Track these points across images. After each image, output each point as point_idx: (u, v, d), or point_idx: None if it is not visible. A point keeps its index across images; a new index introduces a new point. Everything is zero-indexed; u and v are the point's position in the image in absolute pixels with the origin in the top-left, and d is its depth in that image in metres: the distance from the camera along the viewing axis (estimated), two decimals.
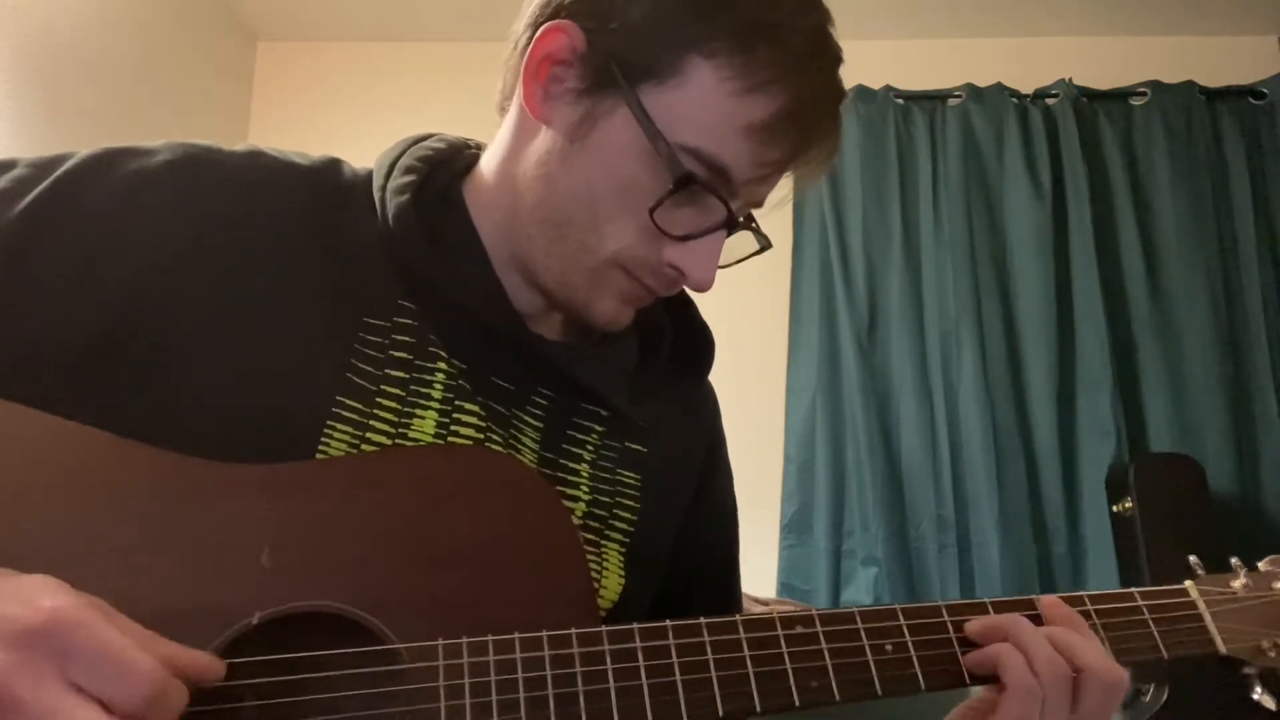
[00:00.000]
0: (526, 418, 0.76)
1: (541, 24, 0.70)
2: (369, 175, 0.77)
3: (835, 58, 0.71)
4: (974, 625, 0.66)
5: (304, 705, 0.56)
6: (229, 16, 3.18)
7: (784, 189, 0.74)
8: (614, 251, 0.70)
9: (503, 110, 0.77)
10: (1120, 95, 3.04)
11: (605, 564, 0.77)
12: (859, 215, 2.96)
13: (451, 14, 3.06)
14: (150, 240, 0.67)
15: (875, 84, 3.07)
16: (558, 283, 0.73)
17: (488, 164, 0.77)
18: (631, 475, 0.80)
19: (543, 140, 0.71)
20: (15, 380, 0.61)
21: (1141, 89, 3.03)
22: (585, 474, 0.78)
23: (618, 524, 0.79)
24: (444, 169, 0.78)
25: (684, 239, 0.69)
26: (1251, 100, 3.03)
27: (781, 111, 0.67)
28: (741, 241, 0.76)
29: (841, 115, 0.72)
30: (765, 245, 0.77)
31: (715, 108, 0.66)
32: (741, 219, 0.73)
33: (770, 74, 0.66)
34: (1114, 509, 2.58)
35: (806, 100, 0.68)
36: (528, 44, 0.70)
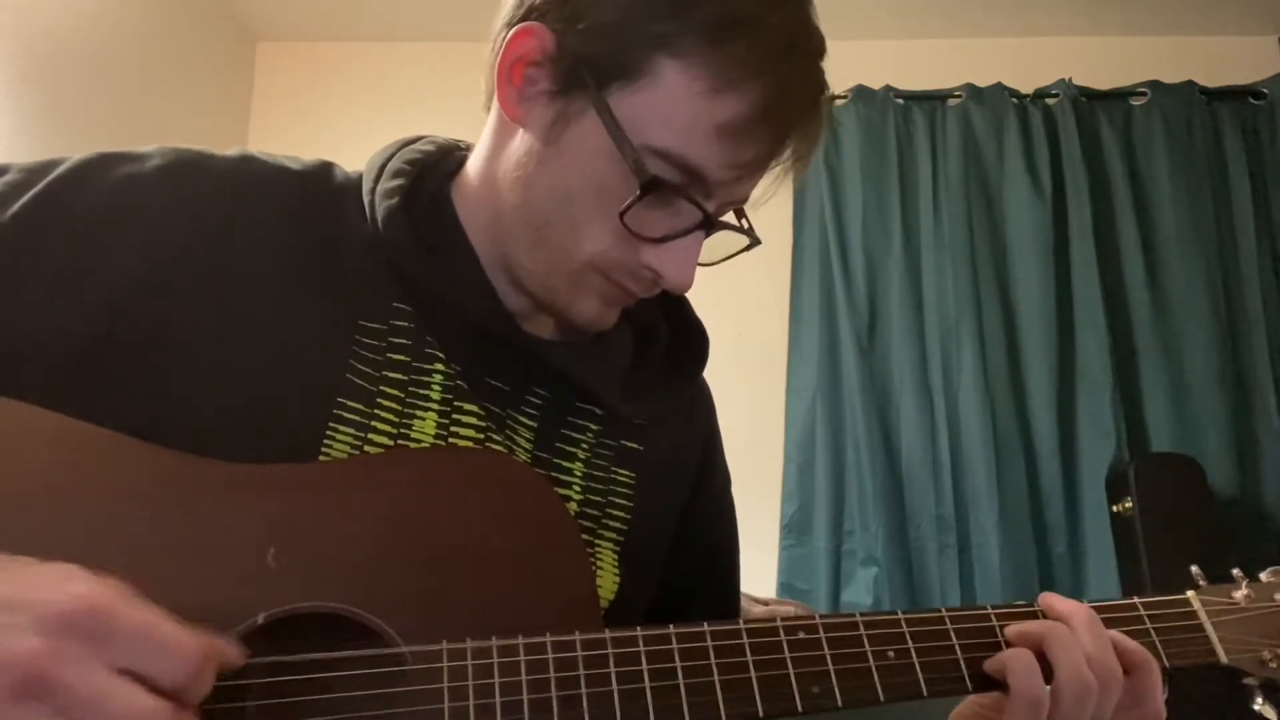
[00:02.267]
0: (521, 418, 0.76)
1: (513, 25, 0.69)
2: (360, 178, 0.77)
3: (814, 49, 0.69)
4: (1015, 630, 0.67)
5: (308, 706, 0.56)
6: (229, 16, 3.18)
7: (770, 181, 0.72)
8: (591, 254, 0.70)
9: (488, 109, 0.77)
10: (1120, 95, 3.04)
11: (599, 563, 0.77)
12: (859, 215, 2.95)
13: (451, 14, 3.06)
14: (142, 246, 0.67)
15: (875, 84, 3.07)
16: (540, 285, 0.73)
17: (473, 165, 0.77)
18: (626, 473, 0.80)
19: (520, 142, 0.71)
20: (9, 384, 0.61)
21: (1141, 89, 3.03)
22: (579, 473, 0.78)
23: (611, 523, 0.79)
24: (433, 171, 0.78)
25: (660, 241, 0.68)
26: (1251, 100, 3.03)
27: (753, 110, 0.65)
28: (730, 238, 0.75)
29: (823, 107, 0.70)
30: (753, 242, 0.75)
31: (684, 108, 0.65)
32: (724, 217, 0.72)
33: (741, 72, 0.64)
34: (1114, 509, 2.59)
35: (780, 97, 0.66)
36: (501, 46, 0.70)
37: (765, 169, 0.70)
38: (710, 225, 0.70)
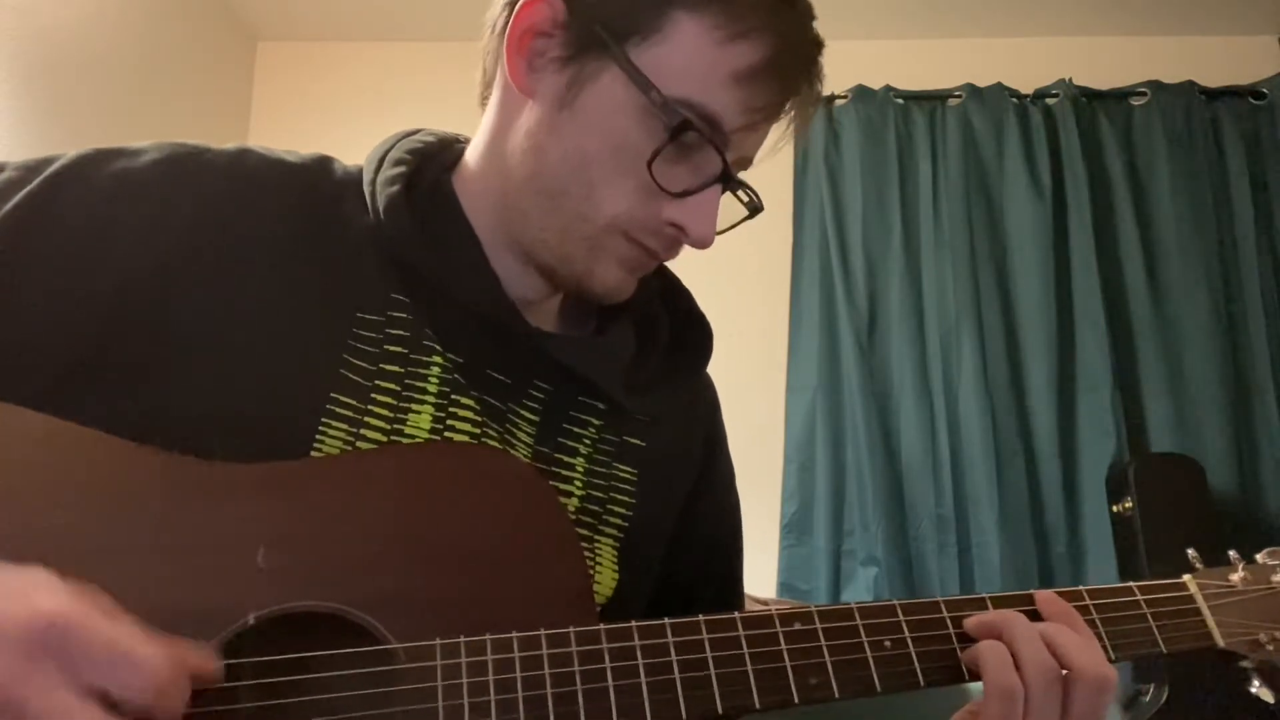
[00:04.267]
0: (523, 411, 0.76)
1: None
2: (359, 172, 0.77)
3: (809, 10, 0.73)
4: (971, 621, 0.66)
5: (300, 706, 0.56)
6: (229, 16, 3.18)
7: (773, 139, 0.75)
8: (612, 216, 0.70)
9: (484, 101, 0.77)
10: (1120, 95, 3.04)
11: (599, 560, 0.76)
12: (859, 215, 2.95)
13: (452, 14, 3.06)
14: (137, 241, 0.66)
15: (875, 84, 3.06)
16: (557, 256, 0.73)
17: (473, 152, 0.78)
18: (628, 470, 0.80)
19: (530, 114, 0.72)
20: (5, 383, 0.61)
21: (1141, 89, 3.03)
22: (580, 468, 0.77)
23: (612, 519, 0.78)
24: (433, 162, 0.78)
25: (681, 195, 0.70)
26: (1251, 100, 3.02)
27: (765, 57, 0.68)
28: (731, 209, 0.76)
29: (822, 66, 0.73)
30: (757, 207, 0.76)
31: (702, 58, 0.67)
32: (736, 176, 0.73)
33: (752, 20, 0.67)
34: (1114, 509, 2.58)
35: (790, 45, 0.69)
36: (506, 22, 0.71)
37: (775, 118, 0.72)
38: (728, 178, 0.71)
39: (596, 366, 0.78)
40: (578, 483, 0.77)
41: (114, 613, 0.50)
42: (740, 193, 0.75)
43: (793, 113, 0.73)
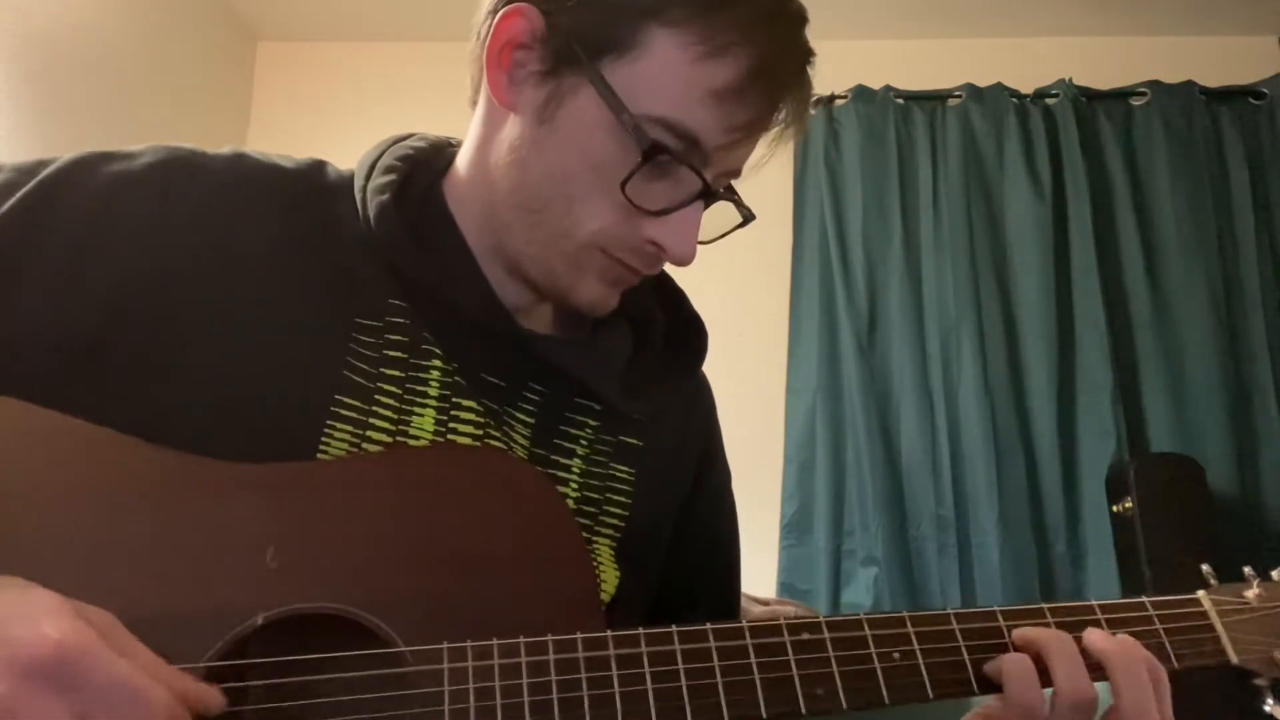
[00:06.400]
0: (518, 414, 0.76)
1: (500, 10, 0.69)
2: (353, 176, 0.77)
3: (799, 16, 0.71)
4: (1019, 633, 0.66)
5: (307, 708, 0.56)
6: (229, 16, 3.17)
7: (764, 148, 0.73)
8: (592, 233, 0.70)
9: (474, 105, 0.77)
10: (1120, 95, 3.04)
11: (598, 560, 0.77)
12: (859, 215, 2.95)
13: (451, 14, 3.05)
14: (133, 244, 0.66)
15: (875, 84, 3.06)
16: (540, 270, 0.73)
17: (463, 159, 0.77)
18: (625, 469, 0.80)
19: (511, 127, 0.71)
20: (5, 385, 0.61)
21: (1141, 89, 3.03)
22: (577, 469, 0.77)
23: (608, 519, 0.78)
24: (425, 168, 0.78)
25: (660, 214, 0.69)
26: (1251, 100, 3.03)
27: (746, 74, 0.66)
28: (725, 215, 0.75)
29: (810, 75, 0.71)
30: (748, 217, 0.75)
31: (679, 75, 0.66)
32: (721, 190, 0.72)
33: (732, 36, 0.66)
34: (1114, 509, 2.58)
35: (771, 61, 0.67)
36: (488, 32, 0.70)
37: (759, 133, 0.71)
38: (709, 195, 0.70)
39: (590, 368, 0.78)
40: (573, 484, 0.77)
41: (122, 642, 0.50)
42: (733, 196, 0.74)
43: (781, 125, 0.71)
